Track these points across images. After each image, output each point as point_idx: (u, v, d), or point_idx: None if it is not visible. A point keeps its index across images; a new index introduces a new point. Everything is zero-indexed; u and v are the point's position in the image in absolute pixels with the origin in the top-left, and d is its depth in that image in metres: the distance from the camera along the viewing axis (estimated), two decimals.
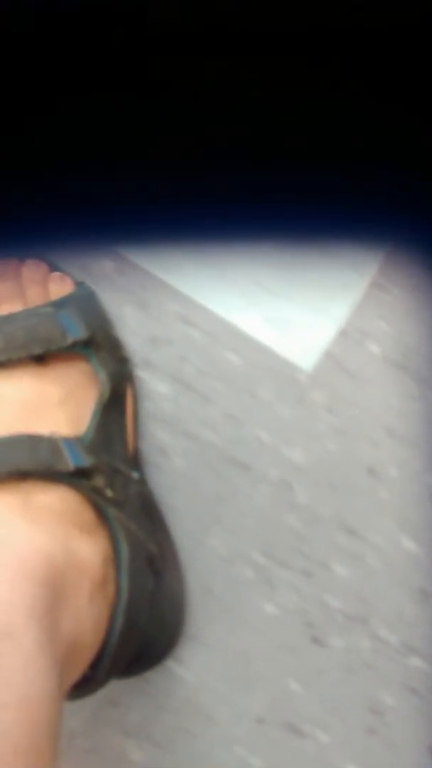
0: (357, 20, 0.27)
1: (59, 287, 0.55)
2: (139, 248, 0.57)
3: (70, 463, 0.50)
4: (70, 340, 0.53)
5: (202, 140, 0.30)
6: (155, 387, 0.57)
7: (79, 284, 0.56)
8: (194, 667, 0.57)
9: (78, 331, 0.53)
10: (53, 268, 0.56)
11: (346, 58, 0.28)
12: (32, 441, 0.50)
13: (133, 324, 0.57)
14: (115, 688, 0.56)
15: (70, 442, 0.51)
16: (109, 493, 0.51)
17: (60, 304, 0.54)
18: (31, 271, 0.55)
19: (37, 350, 0.52)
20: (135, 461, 0.56)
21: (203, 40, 0.27)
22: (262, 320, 0.57)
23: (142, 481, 0.55)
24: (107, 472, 0.52)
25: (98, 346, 0.54)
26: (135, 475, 0.54)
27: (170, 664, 0.57)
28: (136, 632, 0.52)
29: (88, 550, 0.50)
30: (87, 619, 0.48)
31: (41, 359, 0.53)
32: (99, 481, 0.51)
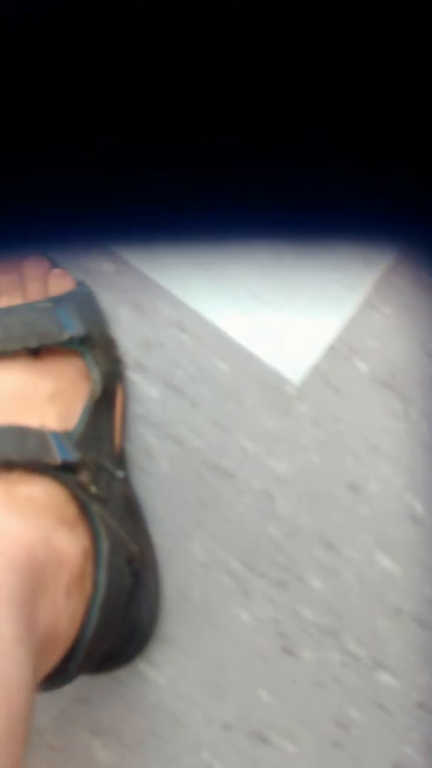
0: (356, 40, 0.28)
1: (59, 284, 0.56)
2: (137, 252, 0.57)
3: (57, 456, 0.51)
4: (66, 335, 0.54)
5: (201, 146, 0.30)
6: (145, 389, 0.58)
7: (79, 283, 0.57)
8: (166, 670, 0.57)
9: (75, 328, 0.54)
10: (54, 265, 0.57)
11: (349, 66, 0.29)
12: (21, 432, 0.51)
13: (127, 326, 0.58)
14: (86, 686, 0.57)
15: (58, 436, 0.51)
16: (93, 489, 0.52)
17: (59, 300, 0.55)
18: (32, 266, 0.56)
19: (34, 343, 0.53)
20: (120, 461, 0.56)
21: (201, 53, 0.27)
22: (253, 329, 0.57)
23: (126, 481, 0.56)
24: (93, 468, 0.52)
25: (93, 344, 0.55)
26: (120, 473, 0.55)
27: (142, 666, 0.57)
28: (111, 629, 0.52)
29: (69, 543, 0.50)
30: (63, 612, 0.49)
31: (36, 353, 0.54)
32: (84, 476, 0.52)
